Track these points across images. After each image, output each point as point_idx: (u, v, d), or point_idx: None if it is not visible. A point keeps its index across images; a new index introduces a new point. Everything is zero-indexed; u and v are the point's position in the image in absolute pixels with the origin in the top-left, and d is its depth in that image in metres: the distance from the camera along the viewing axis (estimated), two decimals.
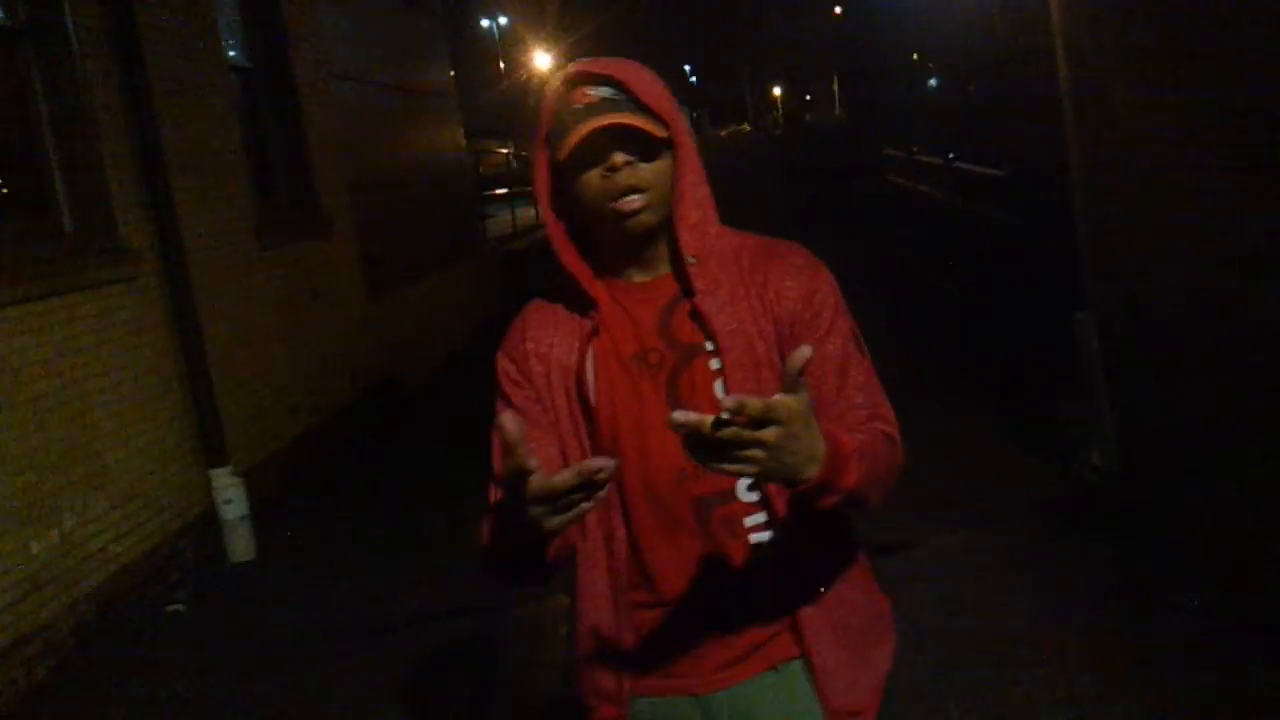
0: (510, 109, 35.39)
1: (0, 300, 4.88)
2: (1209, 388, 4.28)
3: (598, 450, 1.70)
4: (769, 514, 1.70)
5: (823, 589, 1.74)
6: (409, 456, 7.98)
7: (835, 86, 64.17)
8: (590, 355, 1.72)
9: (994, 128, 11.93)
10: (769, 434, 1.34)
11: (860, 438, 1.56)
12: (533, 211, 20.40)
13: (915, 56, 19.06)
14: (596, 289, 1.74)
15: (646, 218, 1.65)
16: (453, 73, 15.39)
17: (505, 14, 41.54)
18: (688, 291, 1.70)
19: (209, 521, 6.15)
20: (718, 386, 1.67)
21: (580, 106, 1.62)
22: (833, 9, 44.79)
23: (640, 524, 1.72)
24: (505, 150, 29.47)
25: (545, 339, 1.76)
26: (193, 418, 6.24)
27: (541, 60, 35.31)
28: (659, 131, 1.63)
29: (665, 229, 1.70)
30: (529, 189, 22.99)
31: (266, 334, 7.51)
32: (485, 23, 41.45)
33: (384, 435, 8.55)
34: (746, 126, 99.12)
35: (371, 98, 10.89)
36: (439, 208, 12.77)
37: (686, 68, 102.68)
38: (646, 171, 1.64)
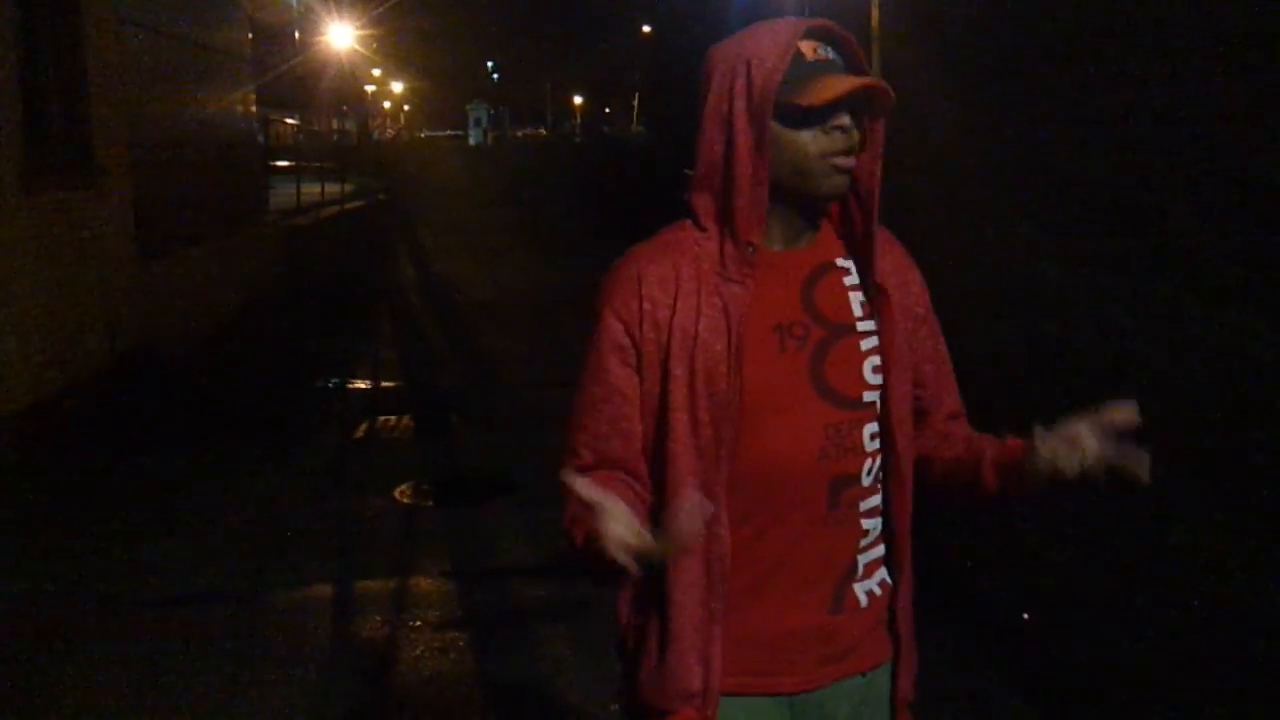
0: (303, 83, 34.26)
1: None
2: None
3: (722, 425, 1.59)
4: (883, 500, 1.70)
5: (907, 580, 1.75)
6: (162, 429, 7.53)
7: (635, 102, 64.96)
8: (724, 326, 1.60)
9: None
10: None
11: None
12: (317, 188, 19.79)
13: None
14: (716, 250, 1.64)
15: (843, 182, 1.63)
16: (250, 34, 14.75)
17: None
18: (870, 267, 1.68)
19: None
20: (867, 367, 1.65)
21: (823, 60, 1.59)
22: (642, 27, 45.25)
23: (748, 508, 1.63)
24: (293, 123, 28.53)
25: (665, 299, 1.61)
26: None
27: (340, 35, 34.30)
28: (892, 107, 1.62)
29: (832, 204, 1.69)
30: (316, 164, 22.30)
31: (22, 284, 6.95)
32: None
33: (137, 404, 8.04)
34: (544, 130, 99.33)
35: (162, 47, 10.29)
36: (223, 173, 12.18)
37: (489, 63, 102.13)
38: (857, 141, 1.62)
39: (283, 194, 17.73)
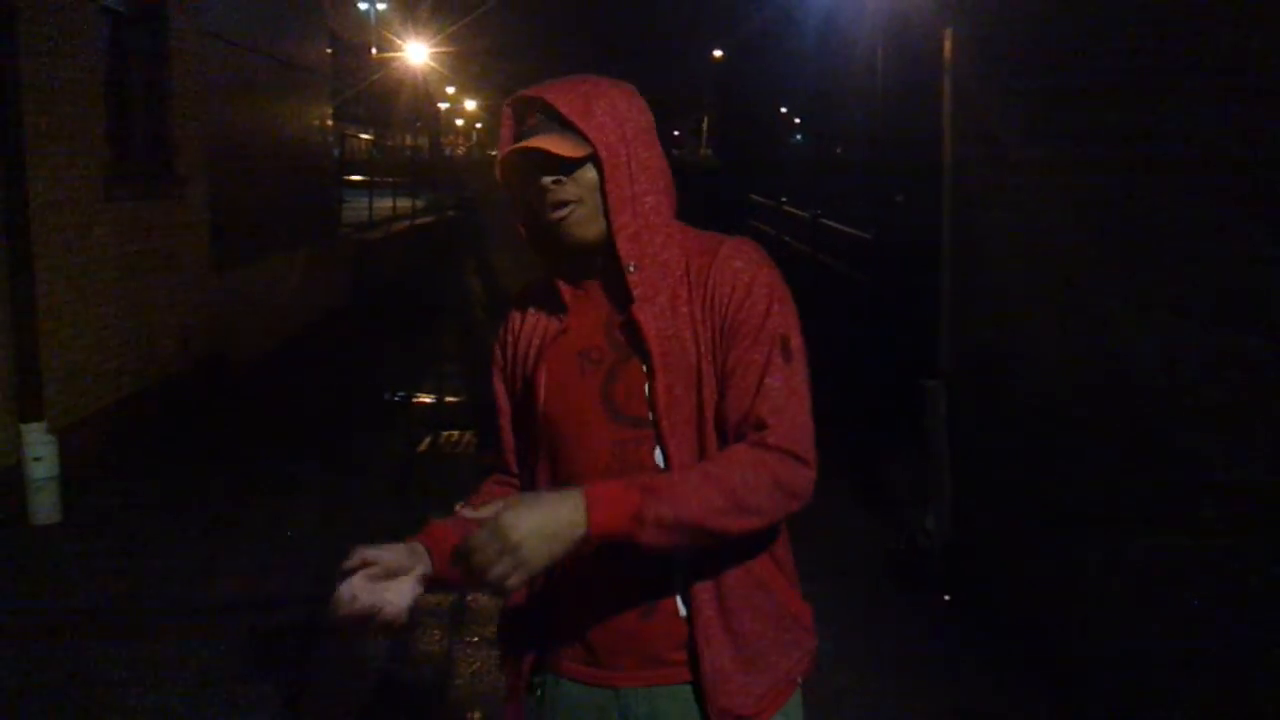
0: (378, 99, 34.78)
1: None
2: (1051, 462, 4.43)
3: (538, 438, 1.81)
4: None
5: (723, 596, 1.74)
6: (231, 436, 7.67)
7: (704, 126, 65.11)
8: (544, 352, 1.81)
9: (861, 191, 12.22)
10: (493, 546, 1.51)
11: (666, 477, 1.64)
12: (389, 202, 20.06)
13: (784, 110, 19.36)
14: (564, 290, 1.82)
15: (576, 231, 1.74)
16: (329, 50, 15.02)
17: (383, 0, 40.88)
18: (627, 298, 1.74)
19: (14, 478, 5.77)
20: (647, 389, 1.72)
21: (516, 132, 1.76)
22: (712, 51, 45.45)
23: None
24: (368, 138, 28.96)
25: (519, 327, 1.88)
26: (12, 367, 5.87)
27: (415, 53, 34.75)
28: (570, 152, 1.69)
29: (602, 238, 1.75)
30: (388, 179, 22.63)
31: (101, 290, 7.12)
32: (364, 5, 40.68)
33: (208, 410, 8.20)
34: None
35: (243, 62, 10.51)
36: (297, 187, 12.40)
37: None
38: (571, 187, 1.72)
39: (356, 208, 18.00)
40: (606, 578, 1.73)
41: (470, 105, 77.58)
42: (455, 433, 8.04)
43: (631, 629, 1.74)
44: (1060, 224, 4.40)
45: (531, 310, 1.87)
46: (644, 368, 1.72)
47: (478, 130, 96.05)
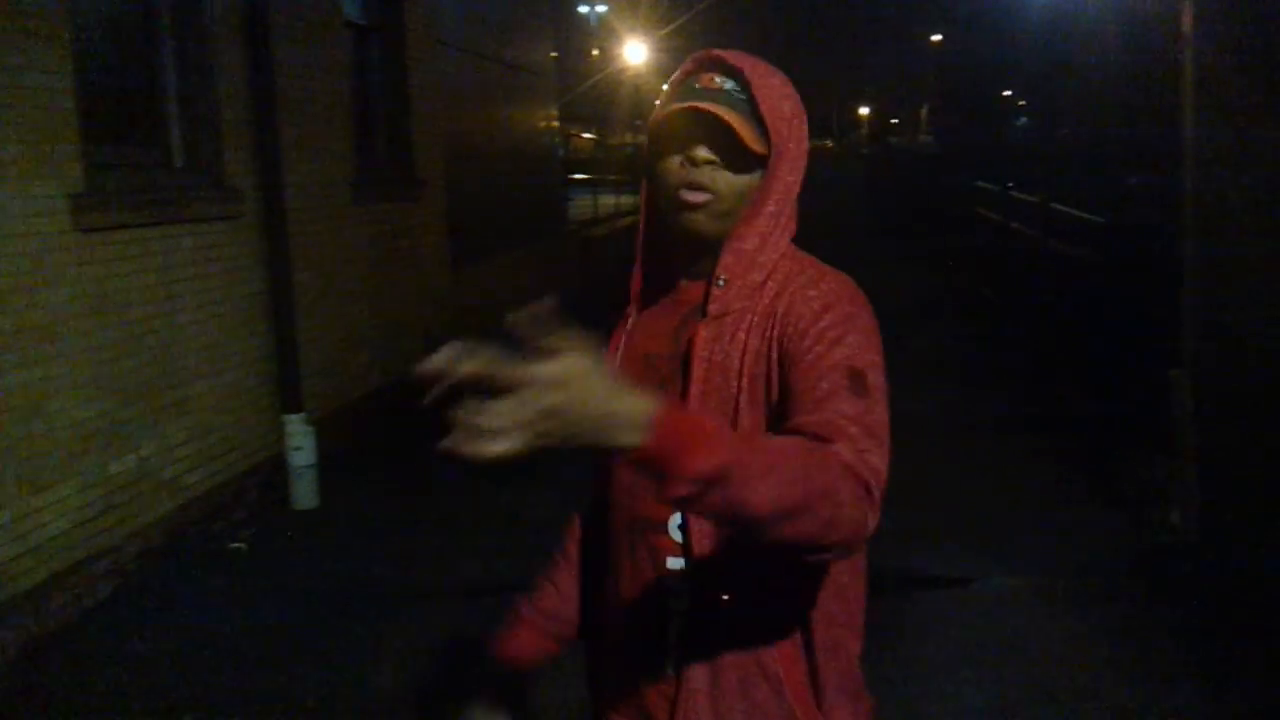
0: (601, 99, 35.43)
1: (109, 223, 4.96)
2: None
3: None
4: (685, 558, 1.53)
5: (716, 673, 1.52)
6: None
7: (923, 113, 63.60)
8: (620, 349, 1.69)
9: (1091, 174, 11.77)
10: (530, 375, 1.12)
11: (762, 440, 1.37)
12: (613, 199, 20.46)
13: (1007, 93, 18.74)
14: (639, 281, 1.71)
15: (701, 219, 1.54)
16: (554, 54, 15.44)
17: (604, 2, 41.59)
18: (703, 307, 1.58)
19: (278, 465, 6.22)
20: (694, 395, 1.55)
21: (698, 88, 1.53)
22: (931, 35, 44.36)
23: (600, 556, 1.73)
24: (590, 137, 29.58)
25: (615, 321, 1.75)
26: (274, 361, 6.32)
27: (634, 53, 35.24)
28: (753, 144, 1.51)
29: (719, 242, 1.57)
30: (611, 177, 23.06)
31: (351, 288, 7.58)
32: (584, 9, 41.54)
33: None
34: (830, 143, 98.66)
35: (475, 67, 10.96)
36: (526, 185, 12.82)
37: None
38: (724, 178, 1.53)
39: (580, 205, 18.44)
40: (614, 634, 1.67)
41: None
42: None
43: (632, 682, 1.61)
44: None
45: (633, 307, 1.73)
46: (681, 387, 1.55)
47: None
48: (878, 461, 1.36)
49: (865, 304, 1.54)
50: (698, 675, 1.52)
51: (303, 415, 6.26)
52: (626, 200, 21.49)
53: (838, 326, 1.47)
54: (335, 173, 7.41)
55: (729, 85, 1.52)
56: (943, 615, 4.70)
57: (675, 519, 1.53)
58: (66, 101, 4.70)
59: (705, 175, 1.51)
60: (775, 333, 1.50)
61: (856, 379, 1.41)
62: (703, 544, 1.51)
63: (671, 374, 1.58)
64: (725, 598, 1.51)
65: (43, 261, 4.57)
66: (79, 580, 4.73)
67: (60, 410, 4.65)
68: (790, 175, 1.56)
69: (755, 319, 1.53)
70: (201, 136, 5.90)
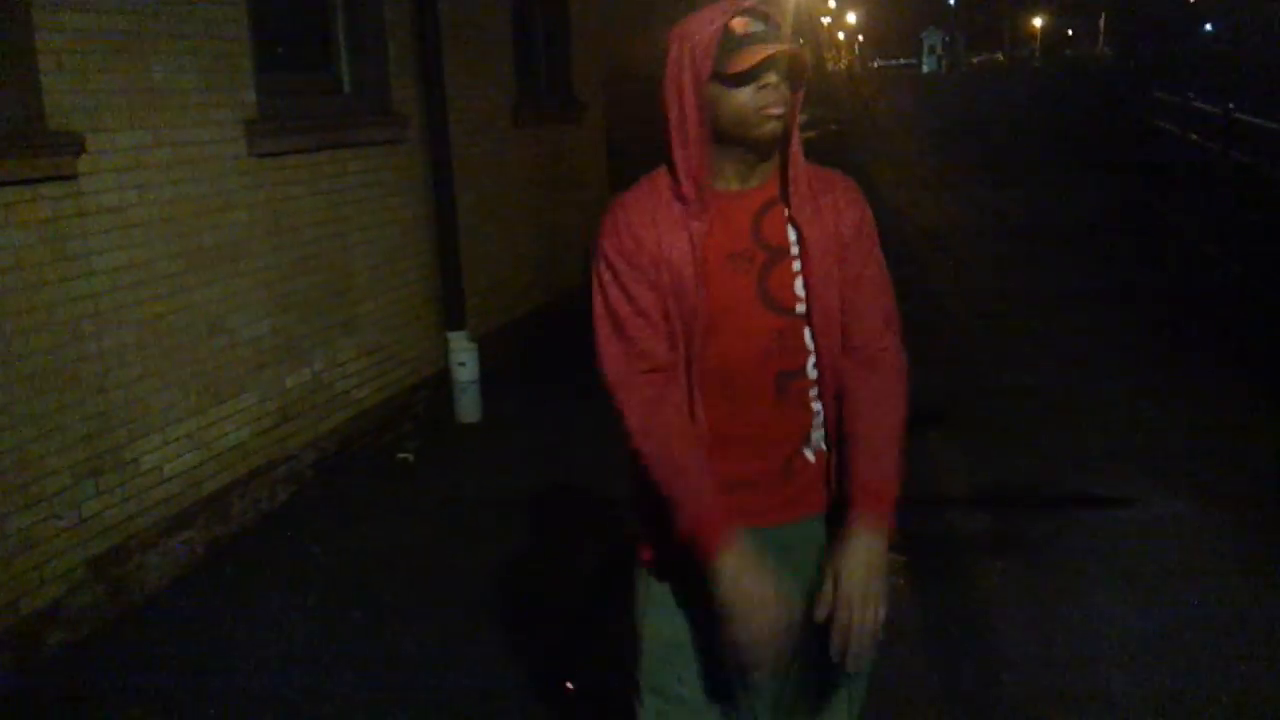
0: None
1: (281, 149, 5.17)
2: None
3: (692, 333, 2.01)
4: (819, 389, 2.10)
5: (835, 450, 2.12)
6: None
7: (1101, 23, 60.73)
8: (685, 254, 2.01)
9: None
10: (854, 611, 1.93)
11: (878, 447, 2.02)
12: None
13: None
14: (685, 192, 2.03)
15: (778, 128, 1.99)
16: None
17: None
18: (786, 201, 2.06)
19: (442, 381, 6.46)
20: (798, 284, 2.05)
21: (749, 33, 1.96)
22: None
23: (714, 397, 2.05)
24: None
25: (650, 235, 2.02)
26: (437, 281, 6.53)
27: None
28: (808, 73, 2.01)
29: (774, 149, 2.05)
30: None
31: (512, 209, 7.74)
32: None
33: None
34: (1001, 57, 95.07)
35: None
36: None
37: None
38: (787, 95, 1.99)
39: None
40: (750, 445, 2.09)
41: (852, 18, 76.22)
42: None
43: (774, 483, 2.11)
44: None
45: (654, 217, 2.03)
46: (794, 265, 2.04)
47: (860, 43, 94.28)
48: (897, 320, 2.13)
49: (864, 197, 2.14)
50: (833, 451, 2.13)
51: (465, 332, 6.47)
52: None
53: (872, 227, 2.12)
54: (496, 97, 7.54)
55: (761, 27, 1.97)
56: (1103, 535, 4.62)
57: (809, 361, 2.07)
58: (240, 31, 4.89)
59: (783, 97, 1.98)
60: (836, 221, 2.06)
61: (883, 265, 2.13)
62: (826, 374, 2.08)
63: (769, 261, 2.04)
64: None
65: (222, 185, 4.80)
66: (258, 486, 5.03)
67: (240, 327, 4.91)
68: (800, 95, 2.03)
69: (815, 206, 2.06)
70: (368, 63, 6.07)
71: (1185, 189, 12.92)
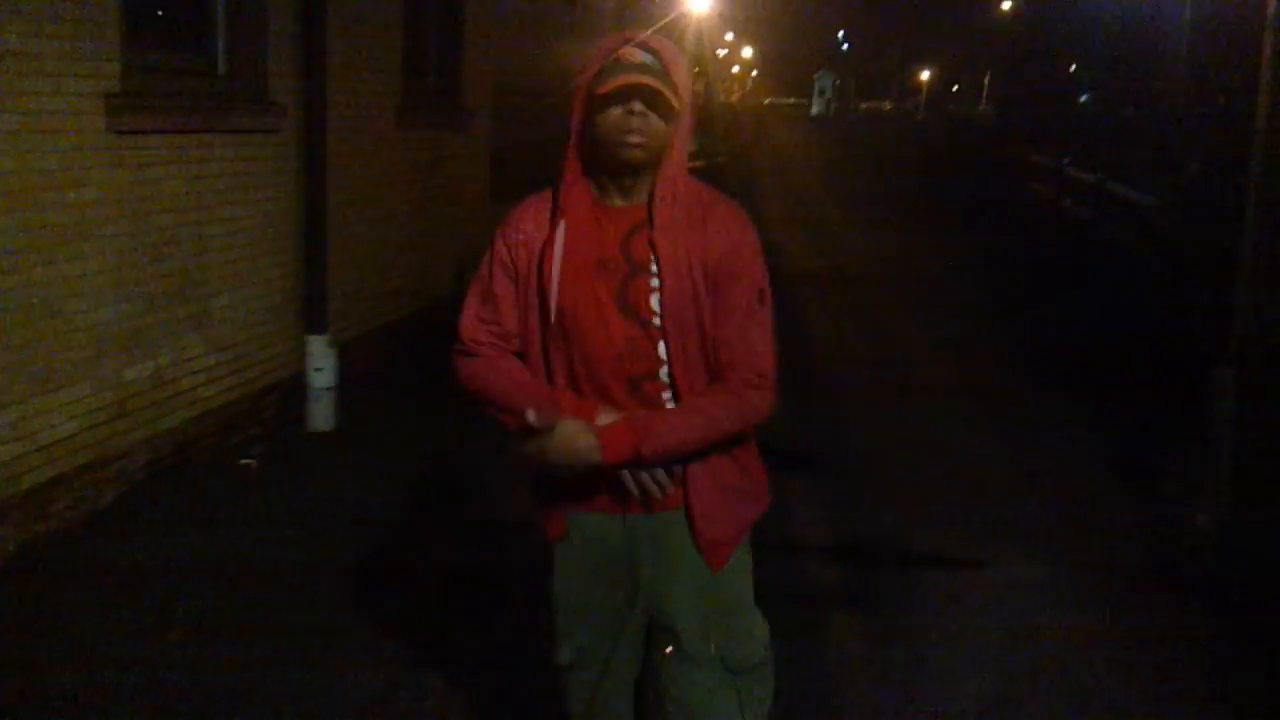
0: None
1: (144, 127, 4.88)
2: None
3: (551, 328, 2.24)
4: (673, 393, 2.25)
5: (707, 454, 2.28)
6: None
7: (986, 80, 62.65)
8: (557, 255, 2.23)
9: (1150, 155, 11.51)
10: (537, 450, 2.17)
11: (662, 415, 2.21)
12: None
13: (1073, 69, 18.41)
14: (572, 202, 2.25)
15: (640, 154, 2.17)
16: None
17: None
18: (650, 222, 2.22)
19: (296, 386, 6.17)
20: (654, 300, 2.21)
21: (628, 62, 2.15)
22: (1001, 3, 43.63)
23: (582, 386, 2.26)
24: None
25: (530, 233, 2.30)
26: (300, 280, 6.25)
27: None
28: (676, 104, 2.17)
29: (649, 172, 2.22)
30: None
31: (388, 212, 7.49)
32: None
33: None
34: (888, 105, 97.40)
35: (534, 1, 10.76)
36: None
37: (840, 33, 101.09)
38: (654, 124, 2.16)
39: None
40: None
41: (747, 52, 77.16)
42: None
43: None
44: None
45: (544, 219, 2.28)
46: (651, 282, 2.21)
47: (753, 78, 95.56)
48: (768, 353, 2.27)
49: (754, 227, 2.30)
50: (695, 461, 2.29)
51: (326, 336, 6.20)
52: None
53: (747, 250, 2.26)
54: (381, 95, 7.30)
55: (647, 59, 2.15)
56: (954, 597, 4.60)
57: (661, 370, 2.24)
58: None
59: (641, 122, 2.15)
60: (706, 247, 2.22)
61: (760, 296, 2.27)
62: (679, 383, 2.24)
63: (631, 274, 2.22)
64: None
65: (74, 159, 4.50)
66: (84, 483, 4.71)
67: (80, 311, 4.60)
68: (688, 125, 2.22)
69: (687, 230, 2.22)
70: (246, 46, 5.79)
71: (1055, 250, 13.26)
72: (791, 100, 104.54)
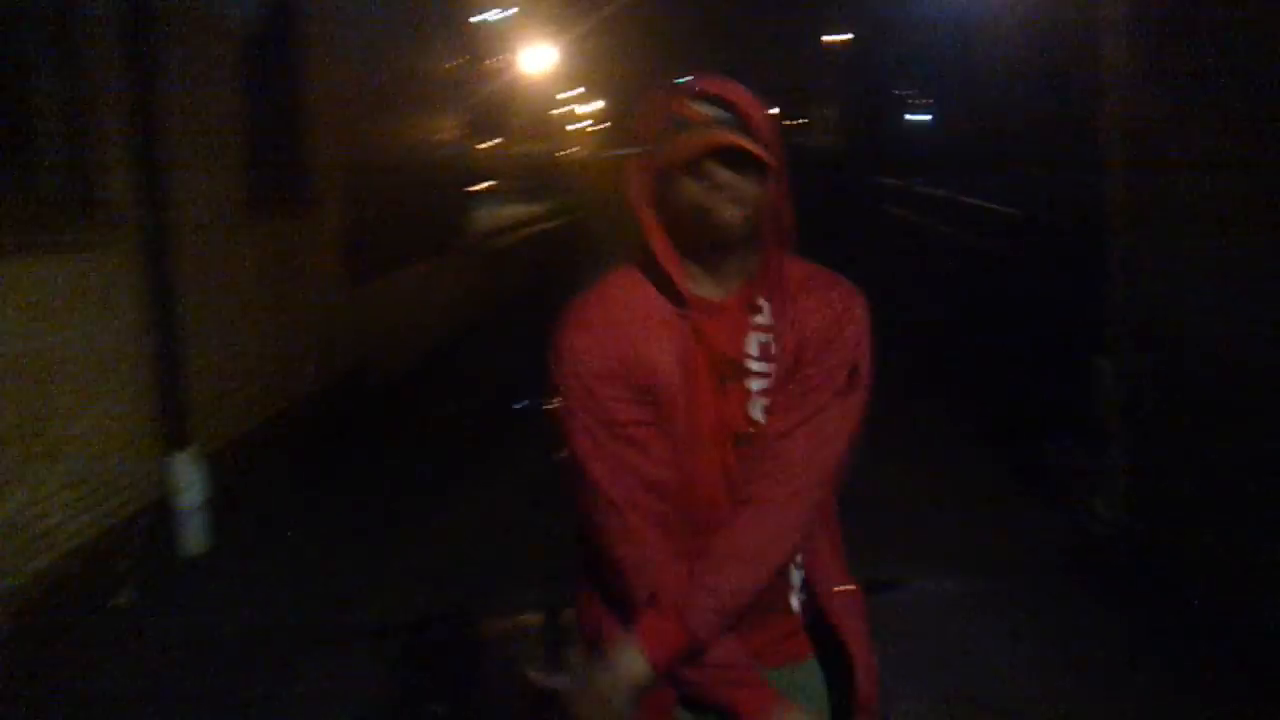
0: (501, 106, 34.98)
1: None
2: (1236, 438, 4.12)
3: (678, 451, 1.77)
4: None
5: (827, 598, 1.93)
6: (376, 452, 7.68)
7: (826, 111, 64.22)
8: (683, 352, 1.77)
9: (1001, 168, 11.82)
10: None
11: (699, 577, 1.71)
12: (515, 209, 20.10)
13: (911, 92, 19.03)
14: (695, 299, 1.78)
15: (742, 229, 1.73)
16: (459, 61, 15.08)
17: (508, 5, 41.08)
18: (757, 315, 1.79)
19: (164, 508, 5.80)
20: (755, 406, 1.78)
21: (695, 121, 1.70)
22: (838, 35, 44.84)
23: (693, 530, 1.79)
24: (492, 145, 29.12)
25: (640, 341, 1.77)
26: (156, 397, 5.90)
27: (534, 60, 34.89)
28: (770, 159, 1.70)
29: (745, 248, 1.78)
30: (513, 187, 22.69)
31: (242, 312, 7.17)
32: (488, 15, 41.01)
33: (351, 427, 8.21)
34: None
35: (376, 78, 10.54)
36: (429, 198, 12.44)
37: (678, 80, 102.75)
38: (749, 189, 1.71)
39: (485, 216, 18.06)
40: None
41: (587, 108, 77.74)
42: None
43: (746, 627, 1.80)
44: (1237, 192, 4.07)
45: (648, 324, 1.79)
46: (748, 385, 1.78)
47: (598, 131, 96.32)
48: (837, 452, 1.83)
49: (866, 303, 1.88)
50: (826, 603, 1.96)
51: (189, 452, 5.85)
52: (531, 210, 21.19)
53: (851, 340, 1.83)
54: (227, 190, 7.00)
55: (715, 111, 1.71)
56: (880, 618, 4.50)
57: None
58: None
59: (744, 193, 1.70)
60: (797, 330, 1.79)
61: (852, 379, 1.82)
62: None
63: (729, 376, 1.78)
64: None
65: None
66: None
67: None
68: (786, 186, 1.77)
69: (788, 319, 1.79)
70: (78, 153, 5.44)
71: (917, 264, 13.47)
72: (639, 149, 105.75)
